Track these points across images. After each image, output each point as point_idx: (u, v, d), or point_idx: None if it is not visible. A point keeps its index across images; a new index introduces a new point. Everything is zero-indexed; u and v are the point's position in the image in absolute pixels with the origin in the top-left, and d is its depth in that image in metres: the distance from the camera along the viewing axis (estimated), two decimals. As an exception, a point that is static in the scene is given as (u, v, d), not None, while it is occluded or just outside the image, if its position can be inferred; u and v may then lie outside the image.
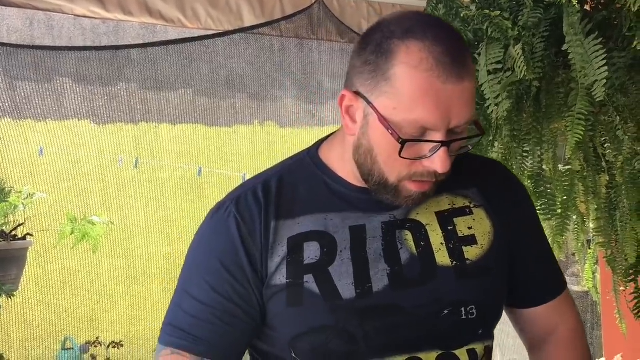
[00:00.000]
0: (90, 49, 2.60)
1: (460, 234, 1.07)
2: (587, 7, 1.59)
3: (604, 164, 1.62)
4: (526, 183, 1.66)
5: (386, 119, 0.96)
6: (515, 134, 1.64)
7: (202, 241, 1.09)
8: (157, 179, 3.20)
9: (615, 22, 1.53)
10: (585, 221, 1.78)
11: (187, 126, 3.10)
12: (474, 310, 1.05)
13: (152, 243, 3.19)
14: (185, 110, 2.91)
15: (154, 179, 3.18)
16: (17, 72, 2.43)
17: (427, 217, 1.07)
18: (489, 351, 1.10)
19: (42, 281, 2.92)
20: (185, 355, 1.04)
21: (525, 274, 1.15)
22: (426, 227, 1.07)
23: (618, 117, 1.51)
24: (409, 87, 0.95)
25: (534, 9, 1.52)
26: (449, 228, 1.07)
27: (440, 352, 1.04)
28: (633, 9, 1.35)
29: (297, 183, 1.09)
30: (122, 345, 2.97)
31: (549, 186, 1.68)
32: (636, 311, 1.72)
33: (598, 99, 1.37)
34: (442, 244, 1.06)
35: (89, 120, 2.81)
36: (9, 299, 2.61)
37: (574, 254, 2.07)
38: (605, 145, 1.60)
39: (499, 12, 1.54)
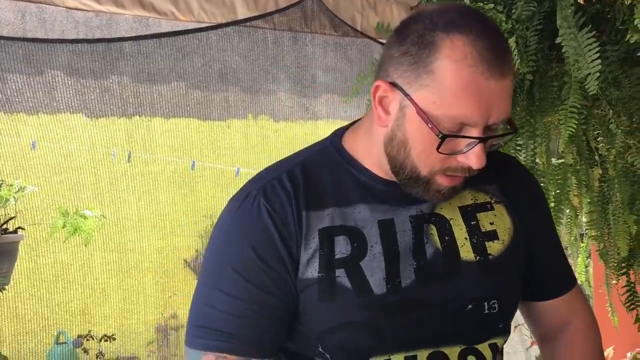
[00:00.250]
0: (83, 42, 2.58)
1: (482, 229, 1.08)
2: (580, 1, 1.59)
3: (596, 157, 1.62)
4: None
5: (425, 113, 0.95)
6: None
7: (230, 235, 1.04)
8: (150, 173, 3.19)
9: (609, 16, 1.53)
10: (578, 214, 1.78)
11: (180, 120, 3.09)
12: (496, 305, 1.06)
13: (144, 237, 3.18)
14: (178, 104, 2.89)
15: (146, 173, 3.17)
16: (9, 65, 2.41)
17: (451, 212, 1.08)
18: (503, 346, 1.12)
19: (34, 275, 2.90)
20: (230, 358, 0.99)
21: (541, 268, 1.17)
22: (450, 222, 1.07)
23: (611, 111, 1.51)
24: (451, 82, 0.93)
25: (528, 2, 1.52)
26: (472, 223, 1.08)
27: (463, 347, 1.04)
28: (626, 2, 1.35)
29: (321, 173, 1.06)
30: (114, 339, 2.96)
31: (542, 179, 1.68)
32: (628, 304, 1.73)
33: (591, 93, 1.37)
34: (466, 238, 1.07)
35: (81, 113, 2.79)
36: (0, 292, 2.60)
37: (566, 248, 2.08)
38: (598, 139, 1.61)
39: (492, 5, 1.53)
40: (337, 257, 1.01)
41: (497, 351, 1.08)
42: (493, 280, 1.07)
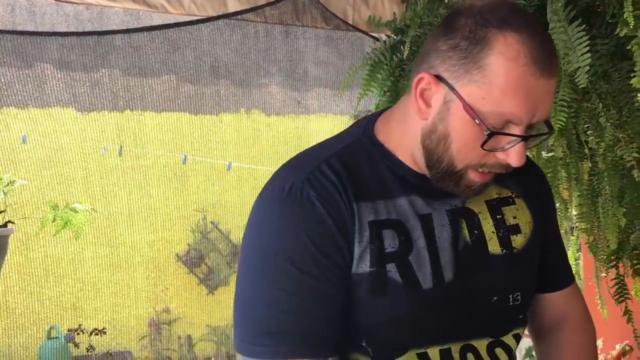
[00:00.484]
0: (73, 35, 2.57)
1: (507, 223, 1.10)
2: (570, -6, 1.59)
3: (586, 150, 1.62)
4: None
5: (472, 108, 0.94)
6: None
7: (280, 230, 0.98)
8: (141, 167, 3.18)
9: (599, 9, 1.53)
10: (568, 208, 1.79)
11: (171, 114, 3.08)
12: (519, 297, 1.09)
13: (135, 231, 3.17)
14: (169, 98, 2.88)
15: (137, 167, 3.16)
16: (-2, 58, 2.40)
17: (478, 206, 1.09)
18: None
19: (24, 269, 2.90)
20: None
21: (548, 260, 1.19)
22: (479, 216, 1.08)
23: (601, 104, 1.52)
24: (503, 80, 0.93)
25: (518, -5, 1.52)
26: (498, 217, 1.09)
27: (490, 340, 1.07)
28: (616, -4, 1.36)
29: (359, 165, 1.04)
30: (104, 333, 2.96)
31: (532, 173, 1.68)
32: (617, 297, 1.74)
33: (581, 86, 1.37)
34: (493, 232, 1.08)
35: (71, 107, 2.78)
36: (-9, 287, 2.60)
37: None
38: (588, 132, 1.61)
39: (483, -2, 1.53)
40: (387, 251, 1.00)
41: (520, 339, 1.11)
42: (517, 273, 1.09)
